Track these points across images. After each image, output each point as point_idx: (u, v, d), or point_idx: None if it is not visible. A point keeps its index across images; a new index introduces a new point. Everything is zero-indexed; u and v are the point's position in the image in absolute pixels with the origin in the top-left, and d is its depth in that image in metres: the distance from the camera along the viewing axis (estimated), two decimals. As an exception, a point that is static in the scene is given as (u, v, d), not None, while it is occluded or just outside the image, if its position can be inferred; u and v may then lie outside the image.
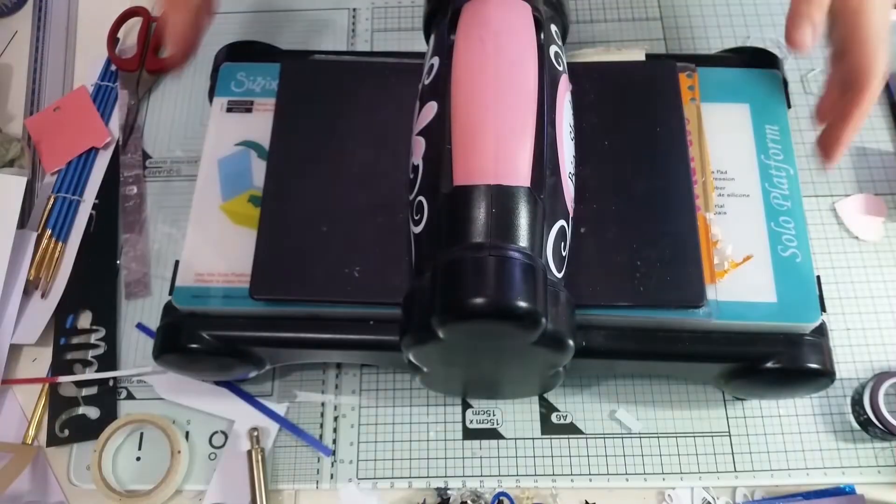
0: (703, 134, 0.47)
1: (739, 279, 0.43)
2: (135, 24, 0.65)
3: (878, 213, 0.56)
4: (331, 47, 0.63)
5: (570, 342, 0.38)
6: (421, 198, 0.41)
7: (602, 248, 0.43)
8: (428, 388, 0.50)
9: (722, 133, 0.48)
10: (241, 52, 0.54)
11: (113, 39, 0.64)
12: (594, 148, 0.46)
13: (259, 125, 0.49)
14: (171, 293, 0.45)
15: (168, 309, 0.46)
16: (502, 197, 0.38)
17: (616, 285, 0.42)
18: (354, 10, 0.65)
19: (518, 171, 0.39)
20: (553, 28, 0.45)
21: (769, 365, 0.42)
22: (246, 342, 0.45)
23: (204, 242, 0.46)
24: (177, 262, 0.45)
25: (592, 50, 0.55)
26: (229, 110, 0.50)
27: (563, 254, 0.41)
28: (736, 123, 0.48)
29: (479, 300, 0.35)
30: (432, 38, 0.47)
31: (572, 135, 0.45)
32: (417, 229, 0.41)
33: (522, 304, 0.35)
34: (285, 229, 0.45)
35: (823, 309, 0.43)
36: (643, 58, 0.52)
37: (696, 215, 0.44)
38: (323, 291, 0.43)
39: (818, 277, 0.44)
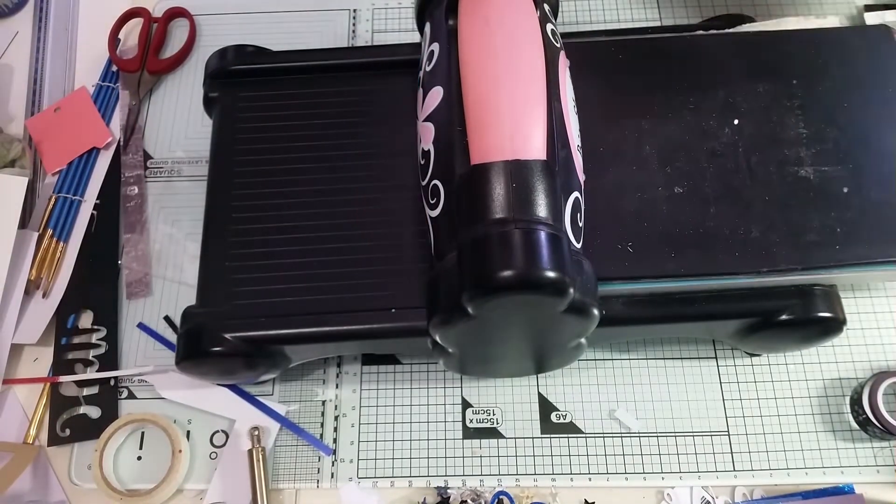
0: None
1: None
2: (136, 24, 0.65)
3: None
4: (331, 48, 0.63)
5: (595, 310, 0.39)
6: (436, 181, 0.42)
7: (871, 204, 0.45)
8: (452, 370, 0.50)
9: None
10: (232, 56, 0.54)
11: (114, 40, 0.64)
12: (832, 110, 0.47)
13: None
14: None
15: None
16: (520, 171, 0.39)
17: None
18: (355, 10, 0.65)
19: (533, 146, 0.39)
20: (545, 7, 0.46)
21: (784, 317, 0.44)
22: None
23: None
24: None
25: (793, 19, 0.55)
26: None
27: (580, 224, 0.42)
28: None
29: (509, 273, 0.36)
30: (428, 25, 0.47)
31: (575, 109, 0.45)
32: (434, 213, 0.42)
33: (552, 274, 0.36)
34: None
35: None
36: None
37: None
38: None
39: None
